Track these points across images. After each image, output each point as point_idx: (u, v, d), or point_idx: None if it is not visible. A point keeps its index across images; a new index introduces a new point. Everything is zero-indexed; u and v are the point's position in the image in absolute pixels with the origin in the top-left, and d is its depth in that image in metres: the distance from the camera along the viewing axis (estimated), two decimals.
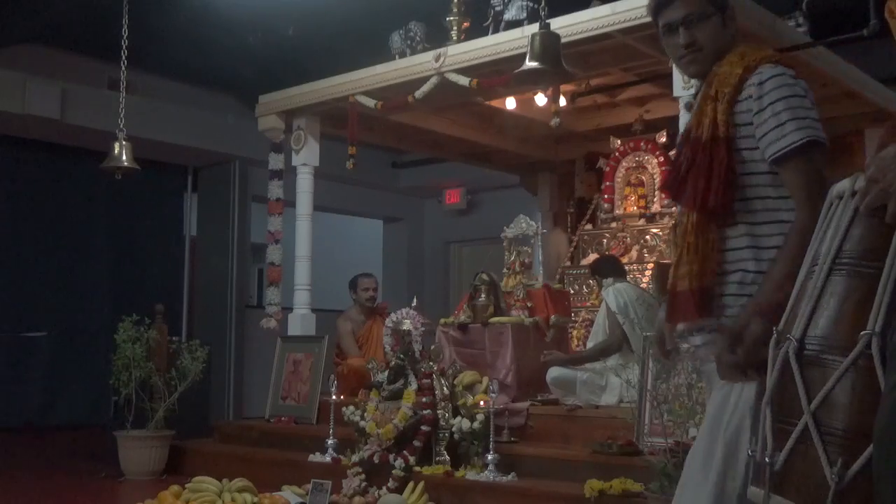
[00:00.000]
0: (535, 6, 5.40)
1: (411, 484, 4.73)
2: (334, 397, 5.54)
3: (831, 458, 1.30)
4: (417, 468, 4.84)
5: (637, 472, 4.17)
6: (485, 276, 6.04)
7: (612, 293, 5.53)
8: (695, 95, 2.20)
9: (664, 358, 2.40)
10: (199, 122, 8.71)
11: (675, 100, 5.16)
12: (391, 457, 4.87)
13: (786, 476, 1.39)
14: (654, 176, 7.30)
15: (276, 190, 7.28)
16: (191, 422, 6.51)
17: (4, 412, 8.21)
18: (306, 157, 7.20)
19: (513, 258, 6.35)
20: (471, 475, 4.71)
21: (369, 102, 6.55)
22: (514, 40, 5.66)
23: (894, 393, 1.20)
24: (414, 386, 5.07)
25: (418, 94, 6.19)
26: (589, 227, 7.79)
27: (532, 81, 5.61)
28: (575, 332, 6.92)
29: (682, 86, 4.94)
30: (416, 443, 4.89)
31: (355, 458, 5.07)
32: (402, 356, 5.22)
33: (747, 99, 2.03)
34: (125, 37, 6.10)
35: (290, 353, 6.91)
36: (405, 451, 4.87)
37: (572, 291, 7.19)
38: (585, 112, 7.68)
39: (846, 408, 1.31)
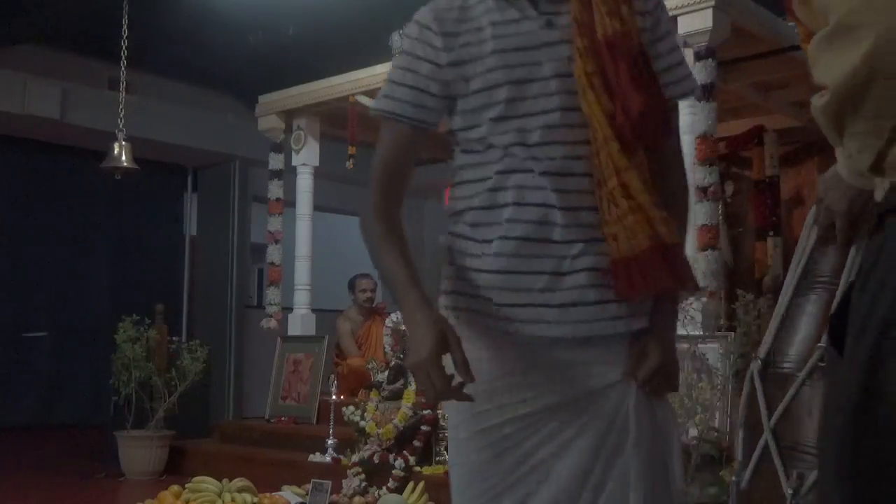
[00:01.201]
0: None
1: (411, 484, 4.72)
2: (334, 397, 5.54)
3: (789, 471, 1.30)
4: (417, 468, 4.84)
5: None
6: None
7: None
8: None
9: (451, 395, 1.41)
10: (199, 122, 8.70)
11: None
12: (391, 457, 4.87)
13: (751, 494, 1.40)
14: None
15: (276, 190, 7.28)
16: (191, 422, 6.51)
17: (4, 412, 8.21)
18: (306, 157, 7.19)
19: None
20: None
21: (369, 102, 6.54)
22: None
23: (826, 399, 1.19)
24: (414, 386, 5.07)
25: None
26: None
27: None
28: None
29: None
30: (416, 443, 4.89)
31: (355, 458, 5.06)
32: (402, 356, 5.22)
33: (641, 14, 1.49)
34: (125, 37, 6.12)
35: (290, 353, 6.91)
36: (405, 451, 4.86)
37: None
38: None
39: (803, 421, 1.31)
